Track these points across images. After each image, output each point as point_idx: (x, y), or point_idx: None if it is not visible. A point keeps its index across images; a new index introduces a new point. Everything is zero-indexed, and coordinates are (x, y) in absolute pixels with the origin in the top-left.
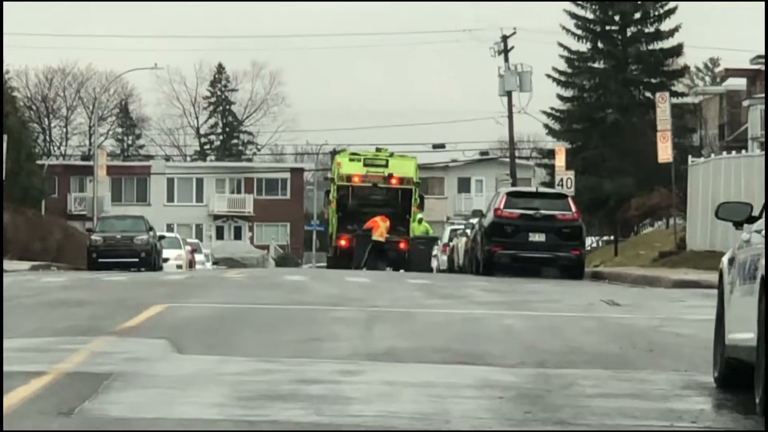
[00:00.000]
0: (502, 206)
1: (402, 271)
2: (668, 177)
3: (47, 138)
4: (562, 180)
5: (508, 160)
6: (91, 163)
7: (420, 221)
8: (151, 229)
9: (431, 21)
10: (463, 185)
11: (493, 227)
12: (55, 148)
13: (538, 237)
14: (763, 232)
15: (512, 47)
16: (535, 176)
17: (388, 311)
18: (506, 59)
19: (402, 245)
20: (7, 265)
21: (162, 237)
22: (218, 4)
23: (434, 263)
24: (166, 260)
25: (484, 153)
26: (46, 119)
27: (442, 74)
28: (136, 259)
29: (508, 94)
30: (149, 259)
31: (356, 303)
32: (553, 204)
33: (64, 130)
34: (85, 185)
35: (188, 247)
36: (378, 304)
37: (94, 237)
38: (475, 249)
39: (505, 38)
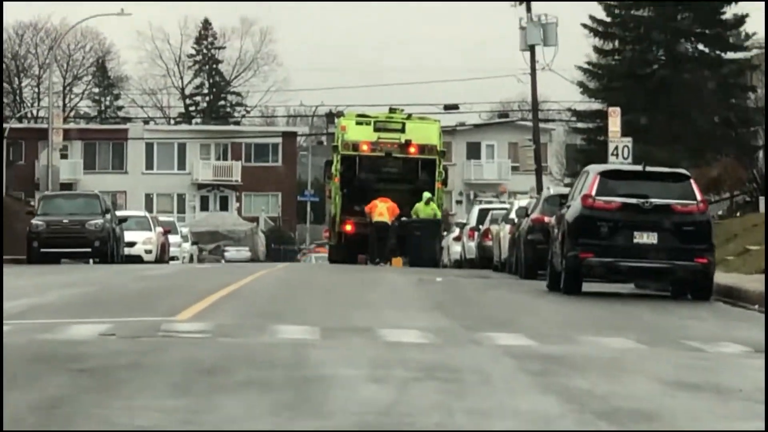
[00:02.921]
0: (594, 192)
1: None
2: (726, 144)
3: (17, 99)
4: (617, 148)
5: (524, 123)
6: (63, 126)
7: (428, 202)
8: (107, 210)
9: None
10: (473, 151)
11: (581, 223)
12: (27, 110)
13: (647, 238)
14: None
15: None
16: (552, 141)
17: None
18: (528, 9)
19: None
20: None
21: (123, 220)
22: None
23: (456, 249)
24: (132, 245)
25: (503, 115)
26: (16, 78)
27: (454, 26)
28: (88, 249)
29: (531, 48)
30: (104, 249)
31: None
32: (669, 189)
33: (36, 90)
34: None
35: (160, 229)
36: None
37: (35, 222)
38: (549, 251)
39: None
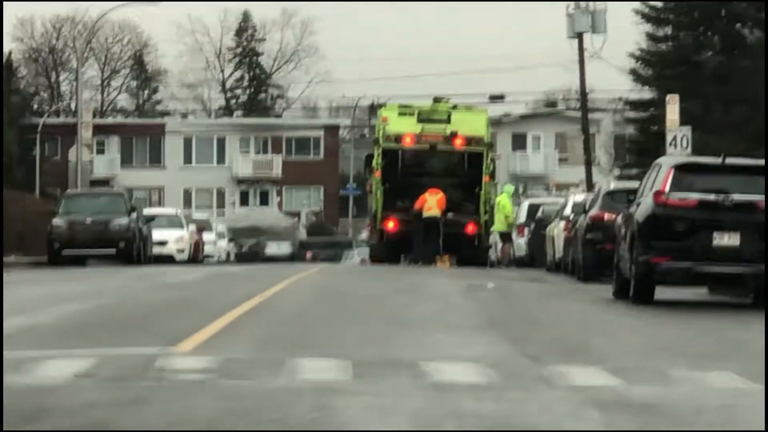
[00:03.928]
0: (667, 188)
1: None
2: None
3: (55, 93)
4: (675, 138)
5: (571, 113)
6: (100, 120)
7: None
8: (133, 209)
9: None
10: (518, 142)
11: (653, 223)
12: (65, 103)
13: (728, 239)
14: None
15: None
16: (600, 131)
17: None
18: None
19: (470, 228)
20: None
21: (151, 218)
22: None
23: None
24: (163, 243)
25: (551, 104)
26: (54, 72)
27: (498, 13)
28: (113, 249)
29: (579, 36)
30: (129, 249)
31: None
32: (752, 183)
33: (74, 84)
34: (92, 146)
35: (193, 227)
36: None
37: (56, 221)
38: (615, 254)
39: None
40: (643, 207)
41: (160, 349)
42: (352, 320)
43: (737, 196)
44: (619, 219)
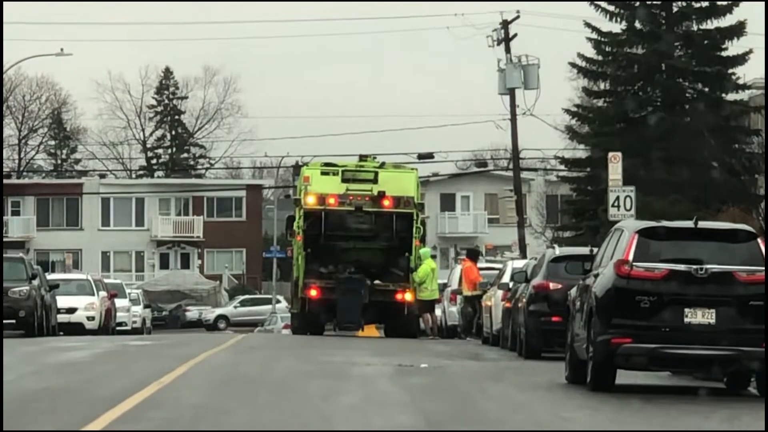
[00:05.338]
0: (631, 256)
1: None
2: (730, 192)
3: None
4: (618, 199)
5: (501, 172)
6: (16, 180)
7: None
8: (34, 276)
9: (414, 4)
10: (447, 203)
11: (614, 297)
12: None
13: (702, 316)
14: None
15: (515, 35)
16: (531, 191)
17: None
18: (507, 50)
19: (399, 295)
20: None
21: (56, 285)
22: (167, 4)
23: (435, 314)
24: (72, 311)
25: (481, 164)
26: None
27: (428, 69)
28: (12, 321)
29: (510, 92)
30: (31, 320)
31: None
32: (728, 251)
33: None
34: (7, 207)
35: (104, 293)
36: None
37: None
38: (569, 332)
39: (506, 23)
40: (603, 278)
41: None
42: (257, 419)
43: (712, 267)
44: (574, 291)
